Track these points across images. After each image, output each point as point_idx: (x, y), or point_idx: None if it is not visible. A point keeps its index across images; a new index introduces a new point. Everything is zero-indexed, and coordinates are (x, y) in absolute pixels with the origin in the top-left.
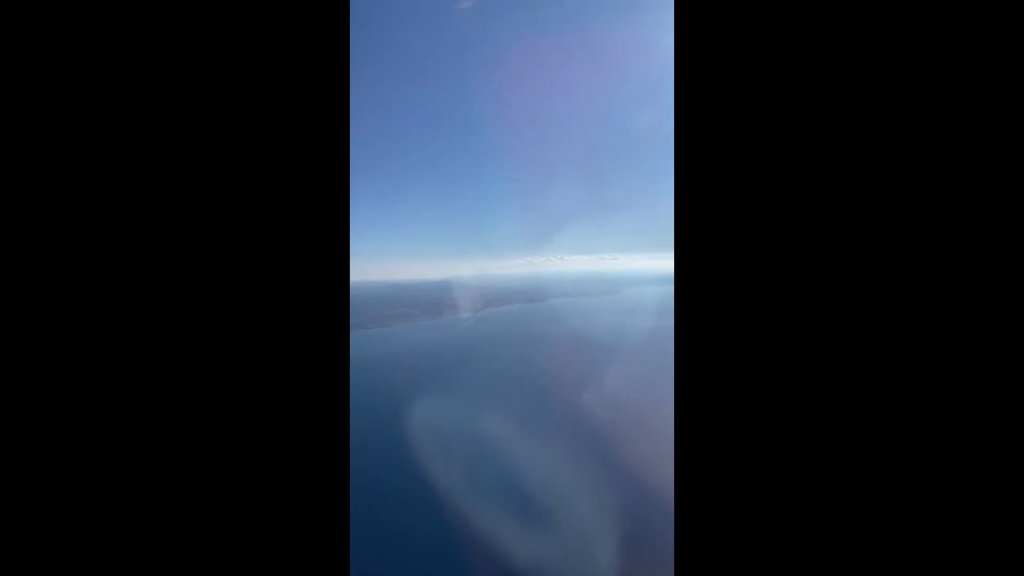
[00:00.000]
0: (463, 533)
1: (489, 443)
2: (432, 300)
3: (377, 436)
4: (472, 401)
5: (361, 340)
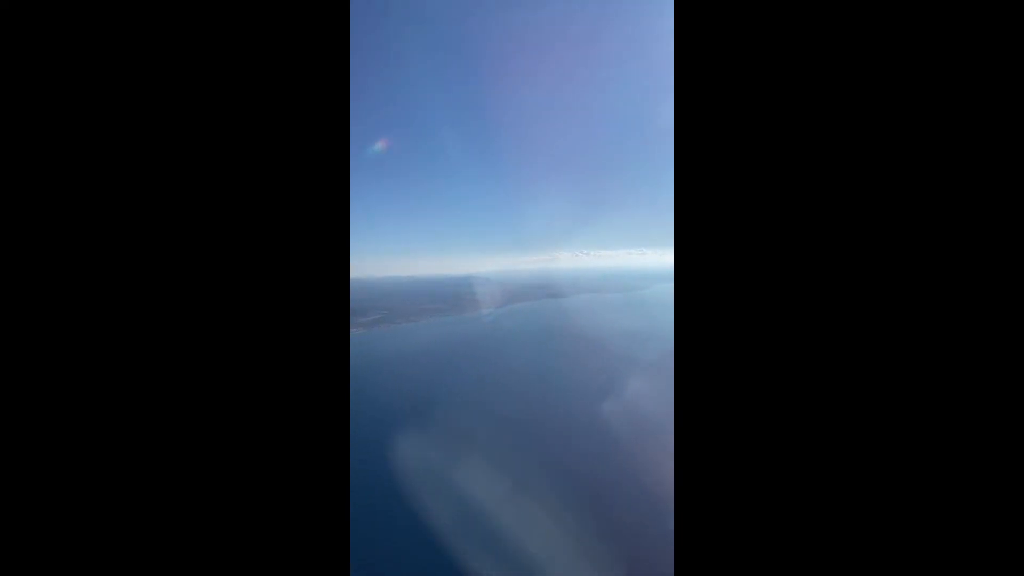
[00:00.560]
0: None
1: (506, 447)
2: (456, 296)
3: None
4: (490, 404)
5: (394, 335)
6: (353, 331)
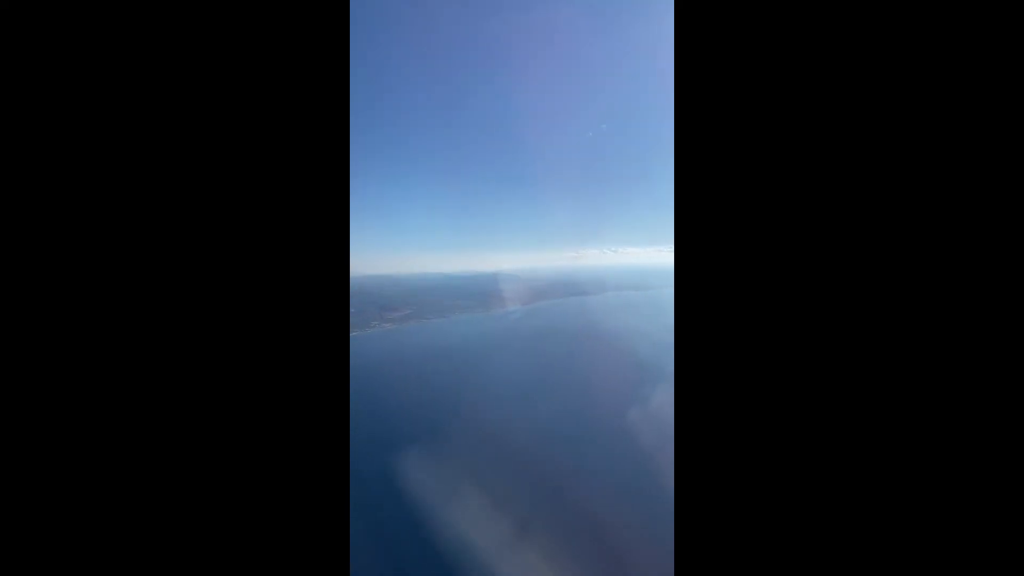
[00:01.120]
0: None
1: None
2: (484, 292)
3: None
4: (516, 398)
5: (425, 330)
6: (384, 325)
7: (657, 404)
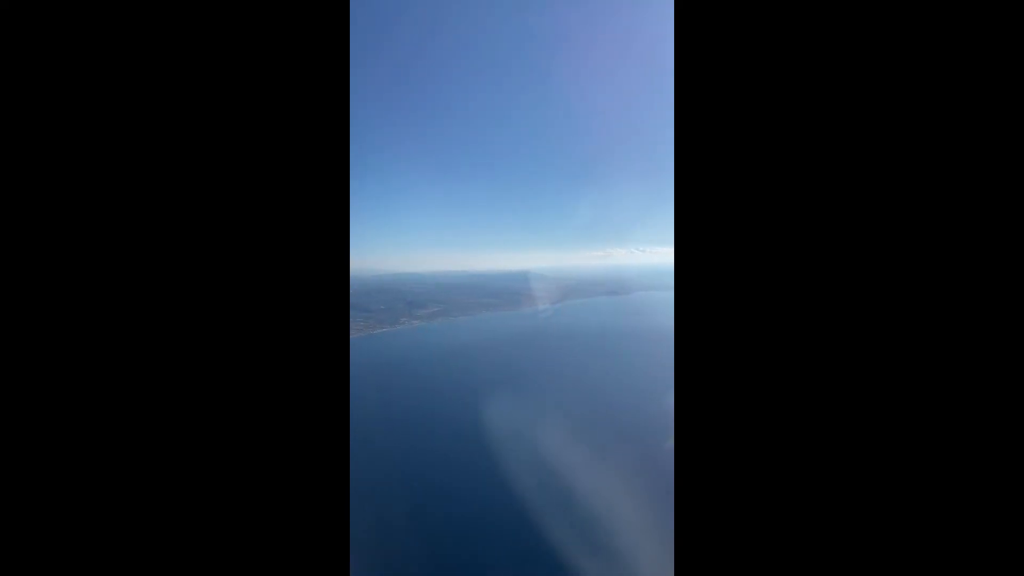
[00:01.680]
0: None
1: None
2: (513, 291)
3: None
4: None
5: (453, 327)
6: (413, 322)
7: None
